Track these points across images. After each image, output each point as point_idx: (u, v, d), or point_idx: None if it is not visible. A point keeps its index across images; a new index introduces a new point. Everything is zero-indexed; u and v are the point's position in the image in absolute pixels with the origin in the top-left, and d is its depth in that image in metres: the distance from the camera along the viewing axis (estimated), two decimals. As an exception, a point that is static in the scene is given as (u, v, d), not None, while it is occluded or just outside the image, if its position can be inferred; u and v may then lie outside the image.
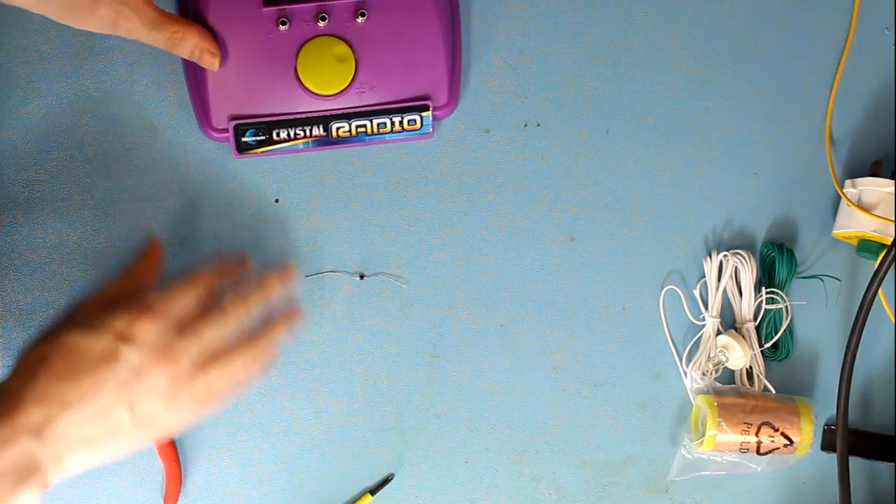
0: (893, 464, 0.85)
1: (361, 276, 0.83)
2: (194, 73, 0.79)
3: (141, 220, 0.82)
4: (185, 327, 0.69)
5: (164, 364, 0.67)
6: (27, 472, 0.63)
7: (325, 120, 0.80)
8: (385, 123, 0.80)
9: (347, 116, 0.80)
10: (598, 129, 0.84)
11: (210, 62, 0.76)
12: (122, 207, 0.82)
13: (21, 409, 0.63)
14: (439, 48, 0.80)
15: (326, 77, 0.79)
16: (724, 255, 0.83)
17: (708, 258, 0.84)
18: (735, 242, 0.85)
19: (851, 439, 0.82)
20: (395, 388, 0.84)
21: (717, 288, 0.84)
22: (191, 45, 0.75)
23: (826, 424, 0.85)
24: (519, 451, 0.85)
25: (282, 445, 0.83)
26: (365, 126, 0.80)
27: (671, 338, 0.85)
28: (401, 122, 0.80)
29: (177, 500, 0.81)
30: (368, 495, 0.83)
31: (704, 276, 0.84)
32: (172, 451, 0.81)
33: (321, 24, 0.78)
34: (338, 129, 0.80)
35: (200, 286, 0.71)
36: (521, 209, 0.84)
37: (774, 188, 0.85)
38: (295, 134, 0.80)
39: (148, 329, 0.67)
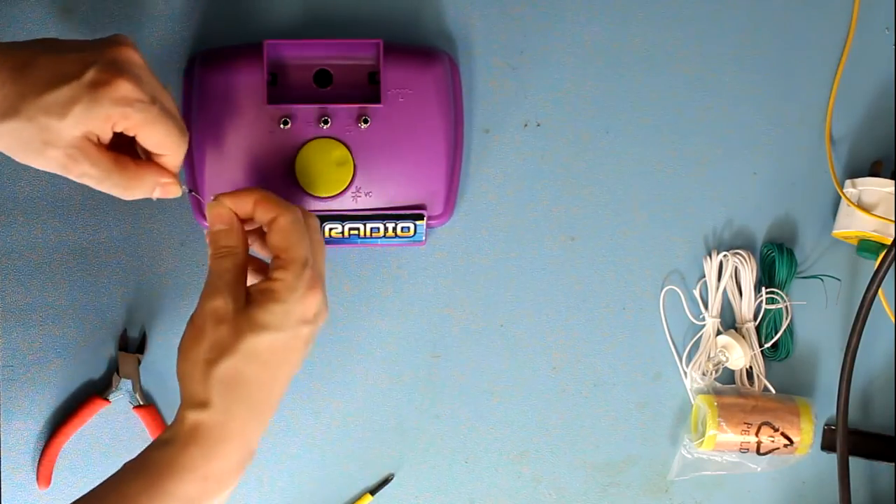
0: (893, 464, 0.85)
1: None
2: (191, 165, 0.79)
3: (141, 220, 0.82)
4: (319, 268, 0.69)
5: (326, 312, 0.69)
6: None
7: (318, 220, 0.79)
8: (378, 228, 0.79)
9: (341, 219, 0.79)
10: (598, 129, 0.84)
11: (173, 192, 0.72)
12: (121, 207, 0.82)
13: (238, 436, 0.65)
14: (440, 162, 0.80)
15: (323, 179, 0.78)
16: (724, 255, 0.83)
17: (708, 258, 0.84)
18: (735, 242, 0.85)
19: (851, 439, 0.82)
20: (395, 388, 0.84)
21: (717, 288, 0.83)
22: (146, 189, 0.70)
23: (826, 424, 0.85)
24: (519, 451, 0.84)
25: (281, 445, 0.83)
26: (358, 230, 0.79)
27: (671, 338, 0.85)
28: (394, 229, 0.80)
29: (177, 500, 0.81)
30: (368, 495, 0.83)
31: (704, 276, 0.84)
32: (172, 451, 0.81)
33: (323, 126, 0.78)
34: (330, 229, 0.79)
35: (307, 226, 0.69)
36: (521, 209, 0.84)
37: (774, 188, 0.85)
38: None
39: (320, 300, 0.68)
